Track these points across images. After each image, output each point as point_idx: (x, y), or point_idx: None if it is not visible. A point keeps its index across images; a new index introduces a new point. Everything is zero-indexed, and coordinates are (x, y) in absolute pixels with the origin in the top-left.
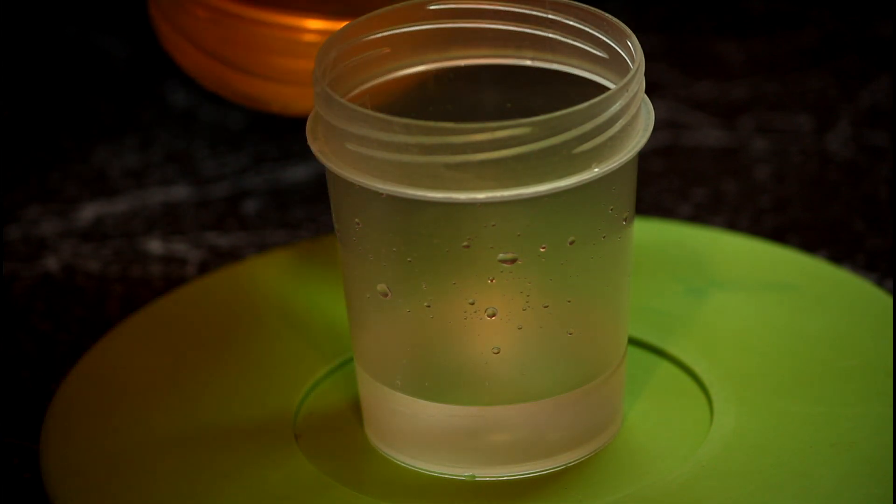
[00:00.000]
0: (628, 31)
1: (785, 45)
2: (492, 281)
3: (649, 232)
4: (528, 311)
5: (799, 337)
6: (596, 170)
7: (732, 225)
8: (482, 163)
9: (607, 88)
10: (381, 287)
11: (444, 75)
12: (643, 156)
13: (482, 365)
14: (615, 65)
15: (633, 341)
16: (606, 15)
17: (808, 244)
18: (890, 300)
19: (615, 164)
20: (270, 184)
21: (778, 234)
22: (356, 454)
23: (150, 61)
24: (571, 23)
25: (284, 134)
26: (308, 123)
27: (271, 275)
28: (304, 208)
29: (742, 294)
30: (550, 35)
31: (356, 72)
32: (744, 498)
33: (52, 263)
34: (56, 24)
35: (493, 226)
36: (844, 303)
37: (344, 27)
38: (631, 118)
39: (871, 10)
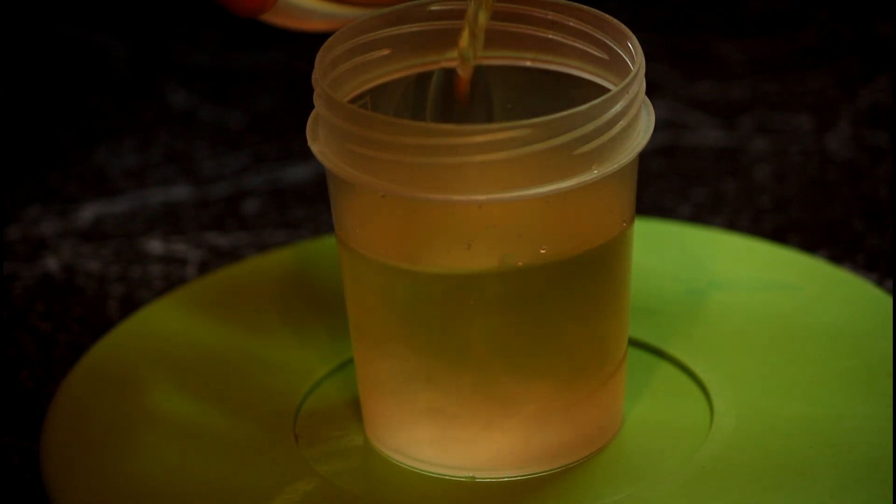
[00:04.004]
0: (629, 32)
1: (785, 45)
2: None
3: (649, 232)
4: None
5: (799, 337)
6: (596, 171)
7: (732, 225)
8: (483, 164)
9: (608, 90)
10: (381, 288)
11: (445, 76)
12: (643, 156)
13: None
14: (615, 66)
15: (633, 342)
16: (607, 16)
17: (808, 244)
18: (890, 300)
19: (615, 166)
20: (270, 184)
21: (778, 234)
22: (356, 454)
23: (150, 61)
24: (572, 24)
25: (284, 134)
26: (308, 124)
27: (271, 275)
28: (304, 208)
29: (742, 294)
30: (551, 36)
31: (356, 72)
32: (744, 498)
33: (52, 263)
34: (55, 24)
35: (494, 226)
36: (844, 303)
37: (344, 28)
38: (631, 120)
39: (871, 10)
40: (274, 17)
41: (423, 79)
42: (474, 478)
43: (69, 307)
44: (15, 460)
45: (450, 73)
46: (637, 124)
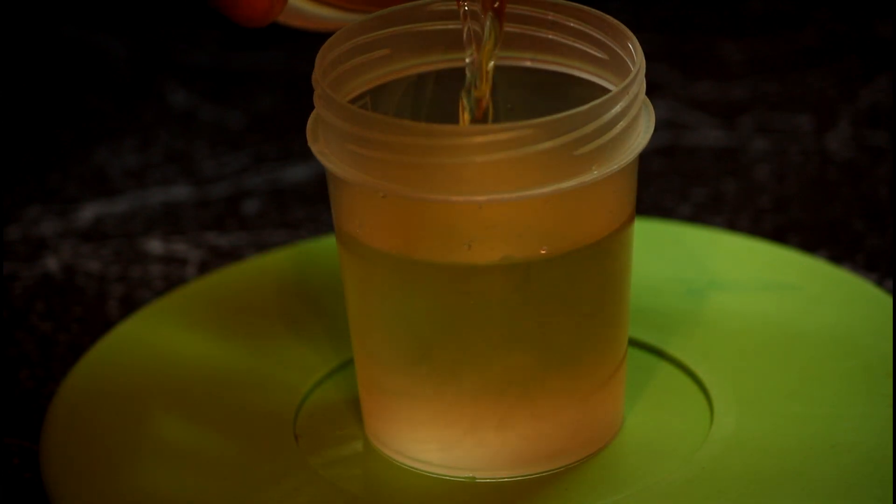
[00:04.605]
0: (629, 32)
1: (785, 45)
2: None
3: (649, 232)
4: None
5: (799, 337)
6: (596, 171)
7: (732, 225)
8: (483, 164)
9: (608, 90)
10: (382, 288)
11: (445, 76)
12: (643, 156)
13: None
14: (616, 66)
15: (633, 342)
16: (607, 16)
17: (808, 244)
18: (890, 300)
19: (615, 166)
20: (270, 184)
21: (778, 234)
22: (356, 454)
23: (150, 61)
24: (572, 24)
25: (284, 134)
26: (308, 124)
27: (271, 275)
28: (304, 208)
29: (742, 294)
30: (551, 36)
31: (356, 72)
32: (744, 499)
33: (52, 263)
34: (55, 24)
35: (494, 227)
36: (844, 303)
37: (344, 28)
38: (631, 120)
39: (871, 10)
40: (281, 17)
41: (423, 79)
42: (474, 478)
43: (69, 307)
44: (15, 460)
45: (448, 74)
46: (637, 124)
